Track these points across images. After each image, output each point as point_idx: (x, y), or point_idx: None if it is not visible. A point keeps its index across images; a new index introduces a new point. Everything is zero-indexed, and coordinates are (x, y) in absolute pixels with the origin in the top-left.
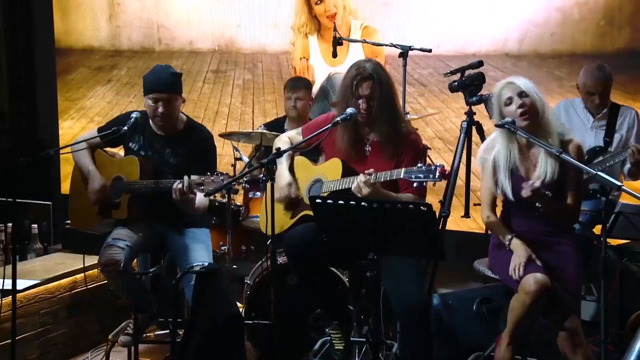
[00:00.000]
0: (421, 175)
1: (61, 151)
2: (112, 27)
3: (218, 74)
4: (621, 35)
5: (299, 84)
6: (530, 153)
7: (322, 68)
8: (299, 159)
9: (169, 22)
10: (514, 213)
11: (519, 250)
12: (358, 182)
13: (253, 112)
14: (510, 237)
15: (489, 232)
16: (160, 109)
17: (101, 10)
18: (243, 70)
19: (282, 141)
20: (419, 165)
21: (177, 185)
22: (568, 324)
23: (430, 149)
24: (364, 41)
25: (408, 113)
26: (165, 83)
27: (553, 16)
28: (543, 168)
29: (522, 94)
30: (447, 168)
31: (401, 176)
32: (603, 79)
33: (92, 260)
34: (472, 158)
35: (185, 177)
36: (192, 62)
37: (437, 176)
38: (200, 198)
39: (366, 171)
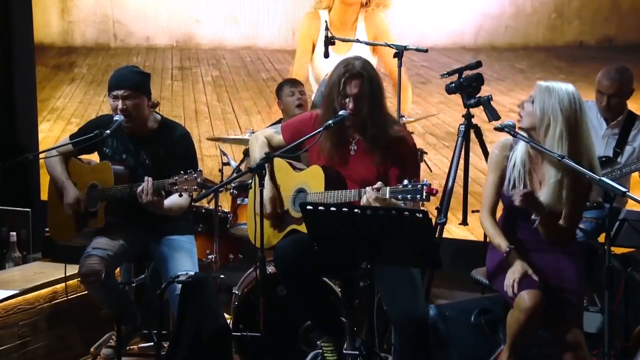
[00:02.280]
0: (408, 196)
1: (40, 156)
2: (64, 22)
3: (184, 70)
4: (570, 29)
5: (297, 80)
6: (540, 167)
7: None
8: (278, 161)
9: (124, 17)
10: (515, 220)
11: (515, 265)
12: (367, 198)
13: (234, 110)
14: (508, 248)
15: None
16: (120, 106)
17: (53, 5)
18: (208, 66)
19: (260, 143)
20: (405, 183)
21: (139, 188)
22: (570, 337)
23: (426, 153)
24: (357, 41)
25: (403, 116)
26: (124, 80)
27: (507, 9)
28: (551, 188)
29: (530, 98)
30: (436, 186)
31: (386, 196)
32: (617, 81)
33: (73, 269)
34: (470, 163)
35: (149, 179)
36: (152, 58)
37: (423, 196)
38: (174, 198)
39: (374, 186)
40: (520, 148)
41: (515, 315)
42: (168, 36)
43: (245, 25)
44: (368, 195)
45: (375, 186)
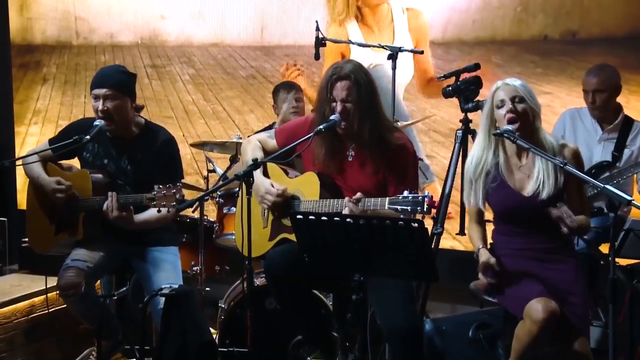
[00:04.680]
0: (408, 207)
1: (18, 162)
2: (23, 19)
3: (158, 69)
4: (535, 22)
5: (293, 83)
6: (523, 164)
7: (365, 59)
8: (271, 166)
9: (87, 13)
10: (507, 229)
11: (483, 257)
12: (349, 210)
13: (225, 109)
14: (479, 246)
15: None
16: (100, 107)
17: (11, 1)
18: (180, 64)
19: (253, 145)
20: (405, 194)
21: (104, 206)
22: (577, 347)
23: (421, 160)
24: (350, 42)
25: (398, 121)
26: (105, 79)
27: (474, 3)
28: (540, 180)
29: (515, 99)
30: (437, 195)
31: (385, 207)
32: (598, 76)
33: (53, 281)
34: None
35: (113, 194)
36: (120, 57)
37: (424, 208)
38: (153, 211)
39: (354, 197)
40: (475, 151)
41: (527, 327)
42: (133, 33)
43: (212, 21)
44: (348, 208)
45: (355, 197)
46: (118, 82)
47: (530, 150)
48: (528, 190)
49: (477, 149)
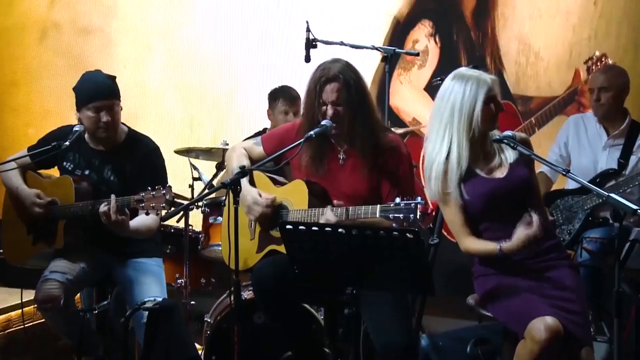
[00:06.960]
0: (400, 215)
1: None
2: None
3: None
4: None
5: (296, 95)
6: (486, 152)
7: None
8: (257, 175)
9: None
10: (489, 237)
11: (518, 236)
12: (327, 219)
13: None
14: (499, 246)
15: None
16: (104, 118)
17: None
18: None
19: (238, 154)
20: (397, 202)
21: (102, 207)
22: (584, 355)
23: (416, 167)
24: (342, 43)
25: (390, 127)
26: (105, 88)
27: None
28: (508, 164)
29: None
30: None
31: (377, 215)
32: (604, 74)
33: (30, 295)
34: None
35: (112, 196)
36: None
37: (417, 216)
38: (142, 218)
39: (335, 202)
40: (458, 150)
41: (528, 346)
42: None
43: None
44: (327, 216)
45: (337, 202)
46: (114, 89)
47: (531, 157)
48: (501, 173)
49: (455, 151)
